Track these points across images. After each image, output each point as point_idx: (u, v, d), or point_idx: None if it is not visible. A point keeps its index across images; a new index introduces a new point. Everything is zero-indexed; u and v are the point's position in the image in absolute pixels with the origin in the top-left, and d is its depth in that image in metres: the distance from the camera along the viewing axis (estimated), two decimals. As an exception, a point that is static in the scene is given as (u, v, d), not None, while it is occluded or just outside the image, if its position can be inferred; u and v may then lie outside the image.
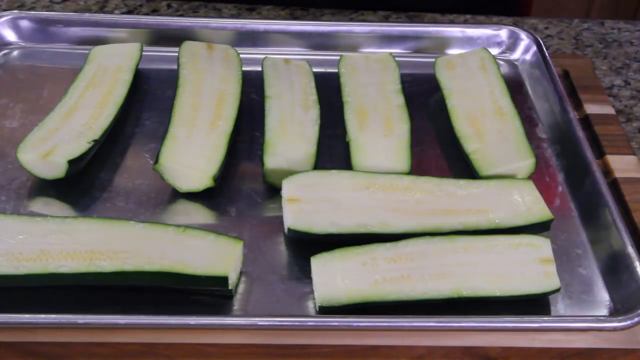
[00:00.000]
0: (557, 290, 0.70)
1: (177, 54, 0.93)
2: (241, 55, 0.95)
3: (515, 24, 1.08)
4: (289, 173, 0.76)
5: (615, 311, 0.71)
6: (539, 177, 0.83)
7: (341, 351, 0.65)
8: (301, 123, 0.85)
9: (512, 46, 1.03)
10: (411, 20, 1.13)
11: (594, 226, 0.79)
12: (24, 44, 1.00)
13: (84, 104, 0.85)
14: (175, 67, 0.92)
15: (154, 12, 1.12)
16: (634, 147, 0.89)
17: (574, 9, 1.88)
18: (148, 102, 0.93)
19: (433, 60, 0.97)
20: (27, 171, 0.78)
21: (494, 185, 0.78)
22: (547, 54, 0.98)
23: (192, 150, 0.79)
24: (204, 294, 0.70)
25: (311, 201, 0.74)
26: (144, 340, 0.65)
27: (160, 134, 0.82)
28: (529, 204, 0.76)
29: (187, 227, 0.71)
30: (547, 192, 0.81)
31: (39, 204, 0.78)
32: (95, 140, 0.80)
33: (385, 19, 1.13)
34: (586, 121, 0.91)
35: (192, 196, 0.79)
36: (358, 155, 0.82)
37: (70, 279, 0.68)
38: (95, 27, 1.01)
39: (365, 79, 0.92)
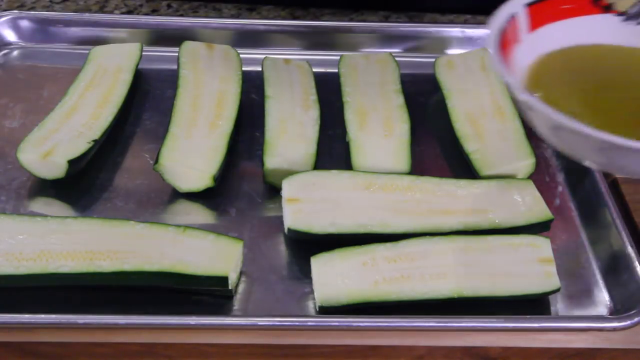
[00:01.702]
0: (557, 290, 0.70)
1: (177, 54, 0.93)
2: (241, 55, 0.94)
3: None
4: (289, 173, 0.76)
5: (615, 311, 0.71)
6: (539, 177, 0.83)
7: (341, 351, 0.65)
8: (301, 123, 0.85)
9: (512, 46, 1.03)
10: (411, 20, 1.13)
11: (594, 226, 0.79)
12: (24, 44, 1.00)
13: (84, 104, 0.85)
14: (175, 67, 0.92)
15: (154, 12, 1.12)
16: (634, 147, 0.89)
17: None
18: (148, 102, 0.93)
19: (433, 60, 0.97)
20: (27, 171, 0.78)
21: (494, 185, 0.78)
22: (547, 54, 0.98)
23: (192, 150, 0.79)
24: (204, 294, 0.70)
25: (311, 201, 0.74)
26: (143, 340, 0.65)
27: (160, 134, 0.82)
28: (529, 204, 0.76)
29: (187, 227, 0.71)
30: (547, 192, 0.81)
31: (39, 204, 0.78)
32: (95, 140, 0.80)
33: (385, 19, 1.13)
34: (586, 121, 0.91)
35: (192, 196, 0.79)
36: (358, 155, 0.82)
37: (70, 279, 0.68)
38: (95, 27, 1.01)
39: (365, 79, 0.92)
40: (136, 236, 0.69)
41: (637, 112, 0.62)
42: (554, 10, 0.66)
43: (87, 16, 1.02)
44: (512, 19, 0.64)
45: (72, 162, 0.77)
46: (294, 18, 1.12)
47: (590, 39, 0.66)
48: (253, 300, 0.70)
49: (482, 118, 0.87)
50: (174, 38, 0.99)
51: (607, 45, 0.66)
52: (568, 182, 0.85)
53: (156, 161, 0.78)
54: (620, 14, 0.65)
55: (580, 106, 0.63)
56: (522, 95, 0.57)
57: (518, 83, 0.59)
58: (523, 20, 0.65)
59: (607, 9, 0.65)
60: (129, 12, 1.12)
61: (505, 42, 0.63)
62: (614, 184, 0.82)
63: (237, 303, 0.70)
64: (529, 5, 0.65)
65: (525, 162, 0.81)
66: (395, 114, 0.87)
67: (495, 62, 0.60)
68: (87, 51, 0.94)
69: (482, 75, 0.93)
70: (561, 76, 0.65)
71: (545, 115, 0.55)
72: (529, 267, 0.70)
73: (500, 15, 0.64)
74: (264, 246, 0.75)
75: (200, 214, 0.79)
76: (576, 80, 0.66)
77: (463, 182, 0.78)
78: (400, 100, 0.89)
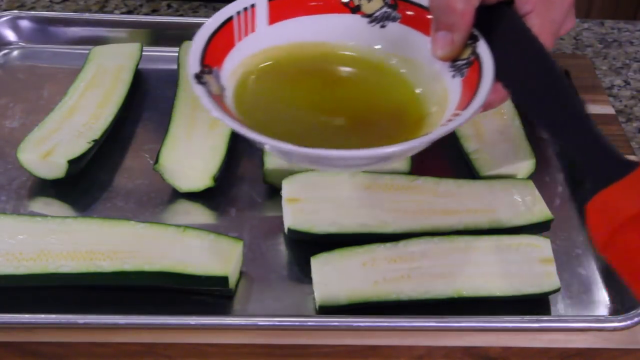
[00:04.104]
0: (557, 290, 0.70)
1: (177, 54, 0.93)
2: (241, 55, 0.94)
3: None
4: (289, 173, 0.76)
5: (615, 311, 0.71)
6: (539, 177, 0.83)
7: (341, 351, 0.65)
8: (301, 123, 0.85)
9: (512, 46, 1.03)
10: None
11: (594, 226, 0.78)
12: (24, 44, 1.00)
13: (84, 104, 0.85)
14: (175, 67, 0.92)
15: (154, 12, 1.12)
16: (634, 147, 0.89)
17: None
18: (148, 102, 0.93)
19: (433, 60, 0.97)
20: (27, 171, 0.78)
21: (494, 185, 0.78)
22: (547, 54, 0.98)
23: (192, 150, 0.79)
24: (204, 294, 0.70)
25: (311, 201, 0.74)
26: (144, 340, 0.65)
27: (160, 134, 0.82)
28: (529, 204, 0.76)
29: (187, 227, 0.71)
30: (547, 192, 0.81)
31: (39, 204, 0.78)
32: (95, 140, 0.80)
33: (385, 19, 1.12)
34: (586, 121, 0.91)
35: (192, 196, 0.79)
36: (358, 155, 0.81)
37: (70, 279, 0.68)
38: (95, 27, 1.01)
39: (365, 79, 0.92)
40: (136, 236, 0.69)
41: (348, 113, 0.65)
42: (300, 6, 0.68)
43: (87, 16, 1.02)
44: (251, 8, 0.65)
45: (72, 162, 0.77)
46: (294, 18, 1.12)
47: (330, 37, 0.69)
48: (253, 300, 0.70)
49: (482, 118, 0.87)
50: (174, 38, 0.98)
51: (346, 46, 0.69)
52: (568, 182, 0.84)
53: (156, 161, 0.78)
54: (367, 16, 0.68)
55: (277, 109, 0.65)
56: (194, 87, 0.58)
57: (196, 71, 0.59)
58: (263, 11, 0.66)
59: (355, 10, 0.68)
60: (129, 12, 1.12)
61: (227, 29, 0.63)
62: (614, 184, 0.82)
63: (237, 303, 0.70)
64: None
65: (525, 162, 0.81)
66: (395, 114, 0.87)
67: (193, 46, 0.61)
68: (87, 51, 0.94)
69: (482, 75, 0.93)
70: (275, 73, 0.67)
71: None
72: (529, 267, 0.70)
73: (235, 5, 0.65)
74: (264, 246, 0.75)
75: (200, 214, 0.79)
76: (297, 79, 0.68)
77: (463, 182, 0.78)
78: (400, 100, 0.89)
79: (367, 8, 0.68)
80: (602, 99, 0.95)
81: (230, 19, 0.64)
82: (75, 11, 1.11)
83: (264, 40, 0.67)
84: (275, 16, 0.67)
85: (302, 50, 0.68)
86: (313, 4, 0.68)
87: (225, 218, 0.78)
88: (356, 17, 0.68)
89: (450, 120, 0.58)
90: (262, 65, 0.67)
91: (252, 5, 0.65)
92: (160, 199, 0.79)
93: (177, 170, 0.78)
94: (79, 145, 0.79)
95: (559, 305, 0.71)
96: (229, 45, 0.64)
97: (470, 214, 0.75)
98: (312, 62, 0.68)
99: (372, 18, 0.68)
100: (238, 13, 0.64)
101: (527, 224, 0.75)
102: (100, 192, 0.80)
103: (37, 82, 0.94)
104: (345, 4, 0.68)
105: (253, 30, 0.66)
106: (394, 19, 0.68)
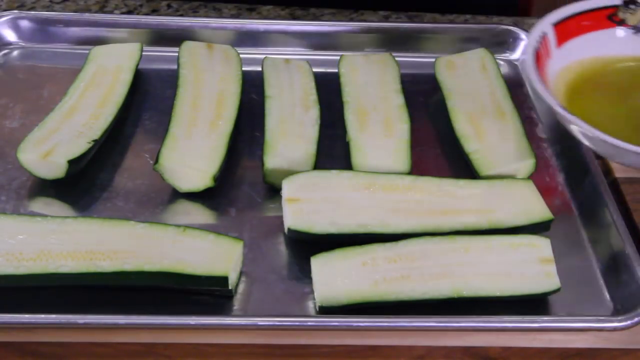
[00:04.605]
0: (557, 290, 0.70)
1: (177, 54, 0.93)
2: (241, 55, 0.95)
3: (515, 24, 1.08)
4: (289, 173, 0.76)
5: (615, 311, 0.71)
6: (539, 177, 0.83)
7: (341, 351, 0.65)
8: (301, 123, 0.85)
9: (512, 46, 1.03)
10: (411, 20, 1.13)
11: (594, 226, 0.79)
12: (24, 44, 1.00)
13: (84, 104, 0.85)
14: (175, 67, 0.91)
15: (154, 12, 1.12)
16: (634, 147, 0.89)
17: None
18: (148, 102, 0.93)
19: (433, 60, 0.97)
20: (27, 171, 0.78)
21: (494, 185, 0.78)
22: (547, 54, 0.98)
23: (192, 150, 0.79)
24: (204, 294, 0.70)
25: (311, 201, 0.74)
26: (143, 340, 0.65)
27: (160, 134, 0.82)
28: (529, 204, 0.76)
29: (187, 227, 0.71)
30: (547, 192, 0.81)
31: (39, 204, 0.78)
32: (95, 140, 0.80)
33: (385, 19, 1.13)
34: (586, 121, 0.91)
35: (192, 196, 0.80)
36: (358, 155, 0.82)
37: (70, 279, 0.68)
38: (95, 27, 1.01)
39: (365, 79, 0.92)
40: (136, 236, 0.69)
41: None
42: (576, 27, 0.78)
43: (87, 16, 1.02)
44: (544, 37, 0.76)
45: (72, 162, 0.77)
46: (294, 18, 1.12)
47: (608, 50, 0.79)
48: (253, 300, 0.70)
49: (482, 118, 0.87)
50: (174, 38, 0.99)
51: (622, 56, 0.79)
52: (568, 182, 0.85)
53: (156, 161, 0.78)
54: (632, 27, 0.78)
55: (616, 117, 0.76)
56: (566, 115, 0.69)
57: (557, 102, 0.71)
58: (552, 37, 0.76)
59: (620, 23, 0.78)
60: (129, 12, 1.12)
61: (539, 59, 0.74)
62: (614, 184, 0.82)
63: (237, 303, 0.70)
64: (556, 24, 0.77)
65: (525, 162, 0.81)
66: (395, 114, 0.87)
67: (536, 83, 0.72)
68: (87, 51, 0.94)
69: (482, 76, 0.93)
70: (589, 86, 0.78)
71: (590, 134, 0.68)
72: (529, 267, 0.70)
73: (533, 36, 0.75)
74: (264, 246, 0.75)
75: (200, 214, 0.79)
76: (603, 89, 0.79)
77: (463, 182, 0.78)
78: (400, 100, 0.89)
79: (631, 20, 0.77)
80: (602, 99, 0.95)
81: (537, 50, 0.75)
82: (75, 11, 1.11)
83: (559, 61, 0.77)
84: (561, 39, 0.77)
85: (592, 64, 0.79)
86: (586, 23, 0.78)
87: (225, 218, 0.78)
88: (622, 29, 0.77)
89: None
90: (567, 81, 0.77)
91: (545, 34, 0.77)
92: (160, 199, 0.80)
93: (177, 170, 0.78)
94: (79, 145, 0.79)
95: (559, 305, 0.71)
96: (542, 71, 0.75)
97: (470, 214, 0.75)
98: (605, 74, 0.78)
99: (638, 29, 0.77)
100: (538, 43, 0.75)
101: (527, 224, 0.75)
102: (100, 192, 0.80)
103: (37, 82, 0.94)
104: (611, 19, 0.78)
105: (549, 56, 0.76)
106: None
